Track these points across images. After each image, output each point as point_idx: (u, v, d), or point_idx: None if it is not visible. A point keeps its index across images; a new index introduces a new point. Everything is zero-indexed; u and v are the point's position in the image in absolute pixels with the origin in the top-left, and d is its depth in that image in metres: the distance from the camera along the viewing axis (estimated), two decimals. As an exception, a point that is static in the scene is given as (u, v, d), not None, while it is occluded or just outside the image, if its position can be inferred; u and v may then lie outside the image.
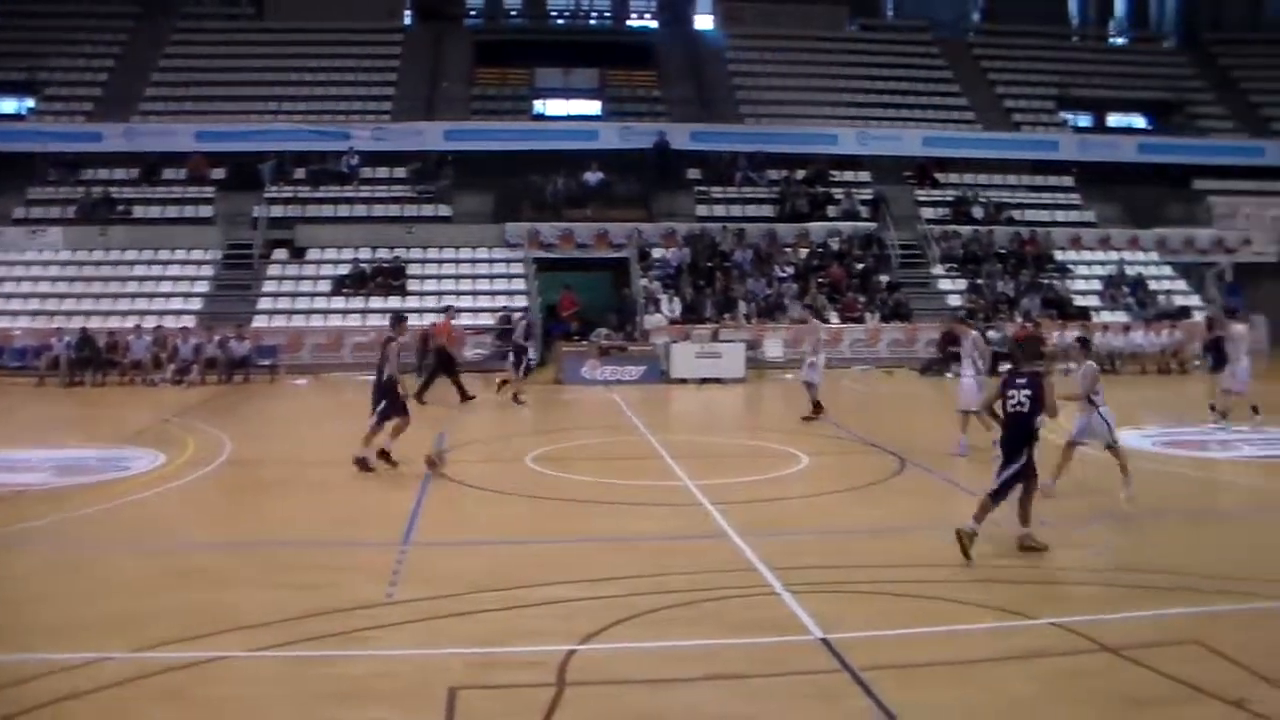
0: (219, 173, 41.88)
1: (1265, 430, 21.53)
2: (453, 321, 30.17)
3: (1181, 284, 41.80)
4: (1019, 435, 12.45)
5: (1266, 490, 17.22)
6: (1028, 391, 12.46)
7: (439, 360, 28.07)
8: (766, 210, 42.14)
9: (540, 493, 16.29)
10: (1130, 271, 41.04)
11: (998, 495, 12.35)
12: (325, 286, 37.38)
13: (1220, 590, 10.99)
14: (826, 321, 34.13)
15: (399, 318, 19.27)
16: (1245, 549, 13.15)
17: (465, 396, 26.89)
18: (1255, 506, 15.97)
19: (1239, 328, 23.32)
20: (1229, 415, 22.16)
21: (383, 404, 17.48)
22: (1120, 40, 59.54)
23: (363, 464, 17.27)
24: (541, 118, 47.62)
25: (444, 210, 40.80)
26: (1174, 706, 8.17)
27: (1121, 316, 37.67)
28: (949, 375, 32.13)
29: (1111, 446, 15.60)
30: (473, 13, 55.32)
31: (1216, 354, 24.20)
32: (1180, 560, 12.29)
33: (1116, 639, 9.41)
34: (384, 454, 17.52)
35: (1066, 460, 15.74)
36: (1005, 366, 18.03)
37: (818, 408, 23.27)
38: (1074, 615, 10.08)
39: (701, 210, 41.61)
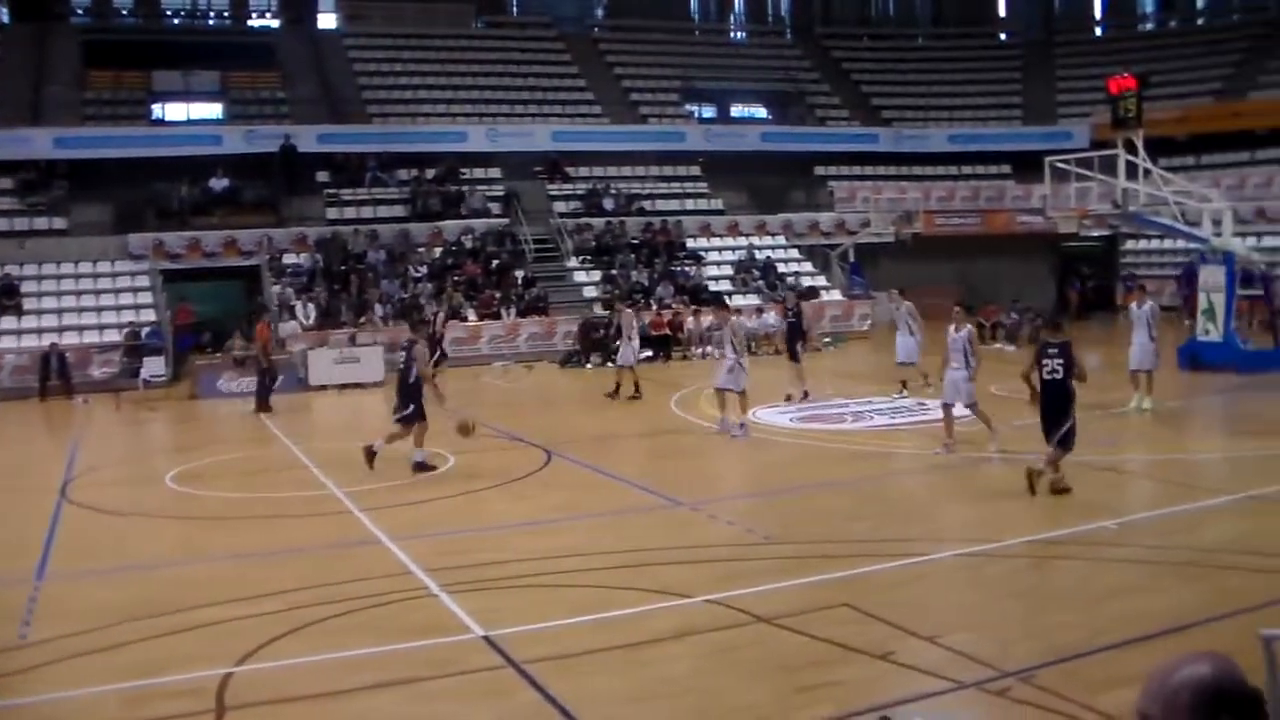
0: None
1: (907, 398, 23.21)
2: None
3: (808, 266, 44.03)
4: (1061, 397, 14.18)
5: (897, 455, 18.49)
6: (1061, 360, 14.18)
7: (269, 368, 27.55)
8: (399, 210, 41.77)
9: (184, 512, 15.84)
10: (759, 256, 42.93)
11: (1065, 442, 14.23)
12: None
13: (864, 554, 11.82)
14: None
15: (421, 319, 18.63)
16: (882, 512, 14.17)
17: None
18: (888, 472, 17.10)
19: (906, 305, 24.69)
20: (908, 385, 23.91)
21: (410, 408, 17.53)
22: (740, 35, 61.86)
23: (422, 467, 17.47)
24: (161, 122, 45.45)
25: (59, 223, 38.29)
26: (827, 667, 8.76)
27: (753, 300, 39.24)
28: (588, 366, 33.01)
29: (973, 405, 17.51)
30: (79, 11, 52.11)
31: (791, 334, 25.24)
32: (825, 528, 13.14)
33: (769, 609, 9.98)
34: (370, 452, 17.51)
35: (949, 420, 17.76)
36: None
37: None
38: (728, 591, 10.60)
39: (333, 213, 40.88)
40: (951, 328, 17.76)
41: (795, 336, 24.54)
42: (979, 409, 17.59)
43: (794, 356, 24.43)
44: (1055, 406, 14.26)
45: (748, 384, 20.15)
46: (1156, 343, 21.35)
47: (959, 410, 17.72)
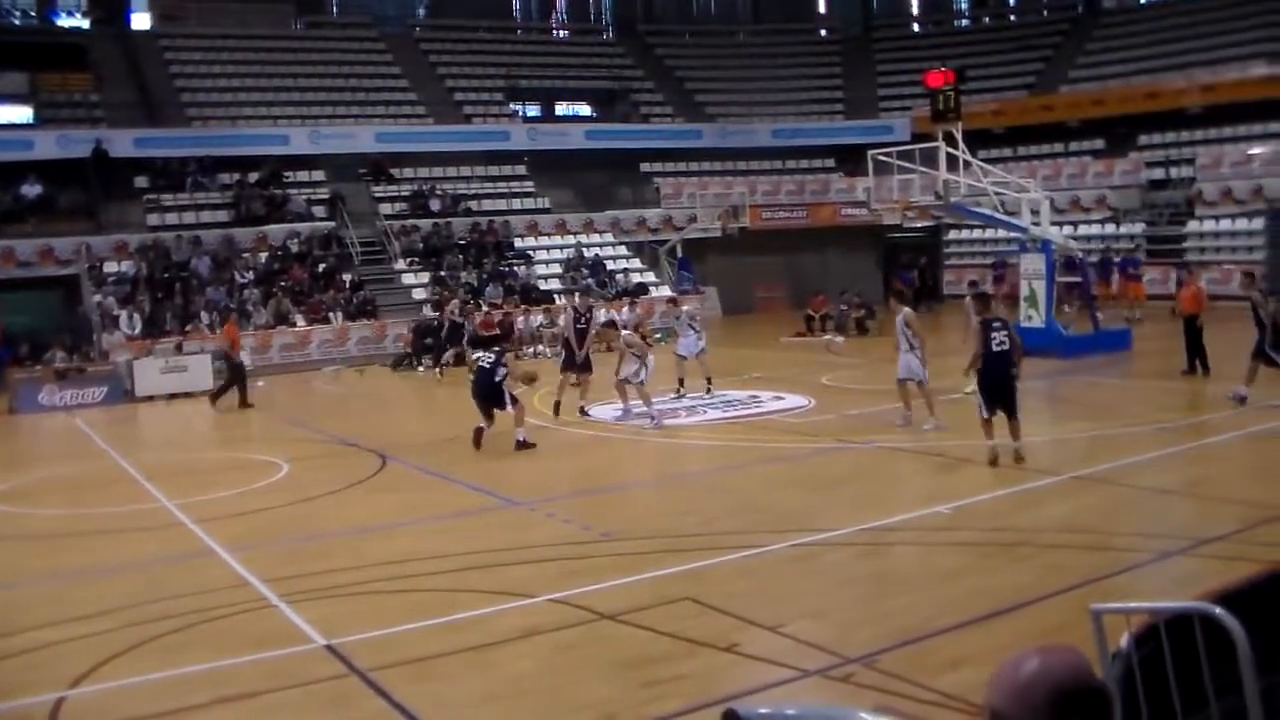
0: None
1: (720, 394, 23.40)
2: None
3: (637, 262, 44.35)
4: (1010, 367, 15.46)
5: (732, 449, 18.57)
6: (1006, 334, 15.53)
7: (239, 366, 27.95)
8: (222, 215, 40.81)
9: (5, 533, 15.24)
10: (588, 254, 43.04)
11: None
12: None
13: (703, 547, 11.94)
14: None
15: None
16: (719, 505, 14.31)
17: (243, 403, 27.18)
18: (724, 465, 17.22)
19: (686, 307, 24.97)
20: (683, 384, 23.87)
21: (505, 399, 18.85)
22: (563, 33, 61.87)
23: (524, 444, 18.15)
24: (-34, 127, 43.87)
25: None
26: (672, 661, 8.82)
27: (588, 301, 39.19)
28: (420, 368, 32.74)
29: (922, 383, 18.55)
30: None
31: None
32: (663, 523, 13.25)
33: (612, 606, 10.03)
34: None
35: (905, 396, 18.76)
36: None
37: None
38: (570, 589, 10.61)
39: (153, 219, 39.77)
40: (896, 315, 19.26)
41: (582, 342, 22.51)
42: (926, 388, 18.66)
43: (583, 366, 22.48)
44: (1005, 376, 15.48)
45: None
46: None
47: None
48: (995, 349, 15.40)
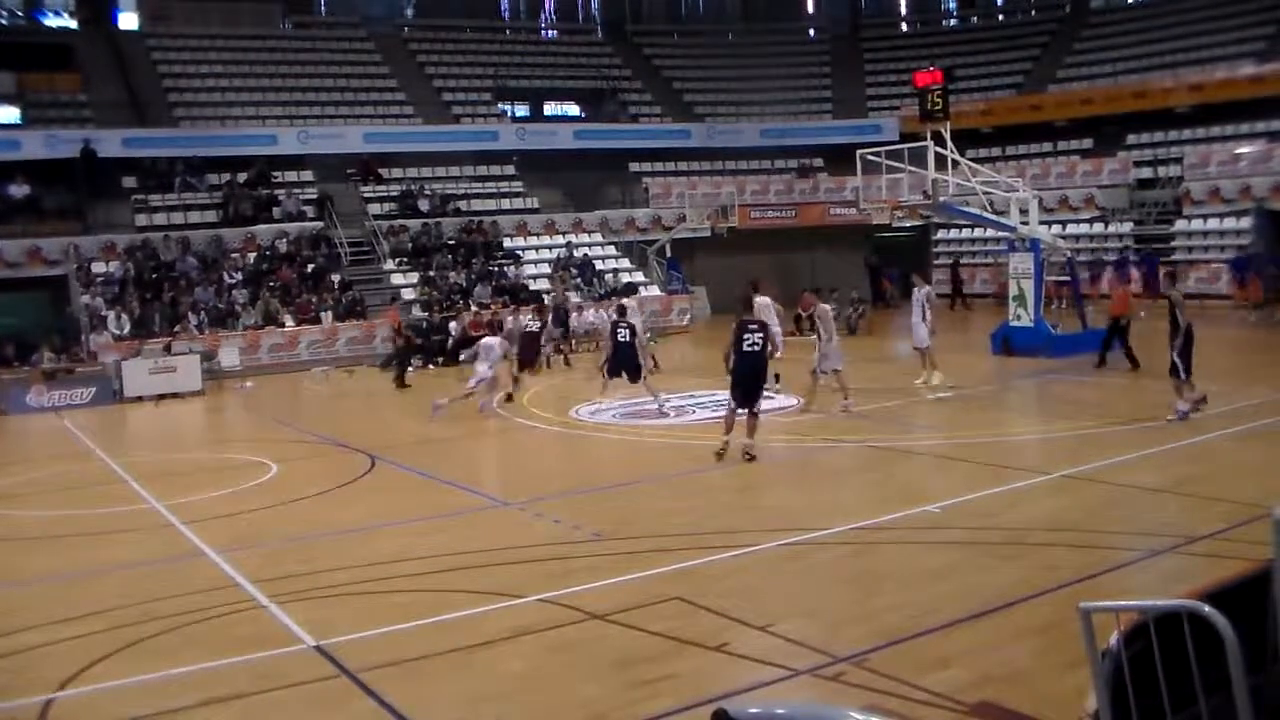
0: None
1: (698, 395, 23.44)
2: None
3: (626, 262, 44.31)
4: (761, 367, 16.92)
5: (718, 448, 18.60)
6: (760, 334, 16.67)
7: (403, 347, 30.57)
8: (210, 216, 40.73)
9: (-5, 534, 15.26)
10: (577, 254, 43.01)
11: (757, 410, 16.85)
12: None
13: (692, 546, 11.95)
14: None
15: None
16: (708, 505, 14.31)
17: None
18: (713, 464, 17.17)
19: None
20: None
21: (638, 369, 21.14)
22: (552, 33, 61.86)
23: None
24: (-47, 126, 43.72)
25: None
26: (661, 661, 8.82)
27: (574, 298, 39.24)
28: (410, 369, 32.67)
29: (838, 371, 20.88)
30: None
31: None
32: (652, 523, 13.24)
33: (602, 606, 10.04)
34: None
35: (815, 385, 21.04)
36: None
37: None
38: (560, 589, 10.63)
39: (142, 220, 39.71)
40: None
41: (533, 346, 23.31)
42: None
43: (527, 365, 23.36)
44: (756, 376, 16.78)
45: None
46: (929, 324, 23.29)
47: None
48: (745, 349, 16.59)
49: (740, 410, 16.79)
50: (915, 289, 24.32)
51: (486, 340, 23.52)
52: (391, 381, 29.46)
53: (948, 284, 43.23)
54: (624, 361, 21.62)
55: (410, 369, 32.64)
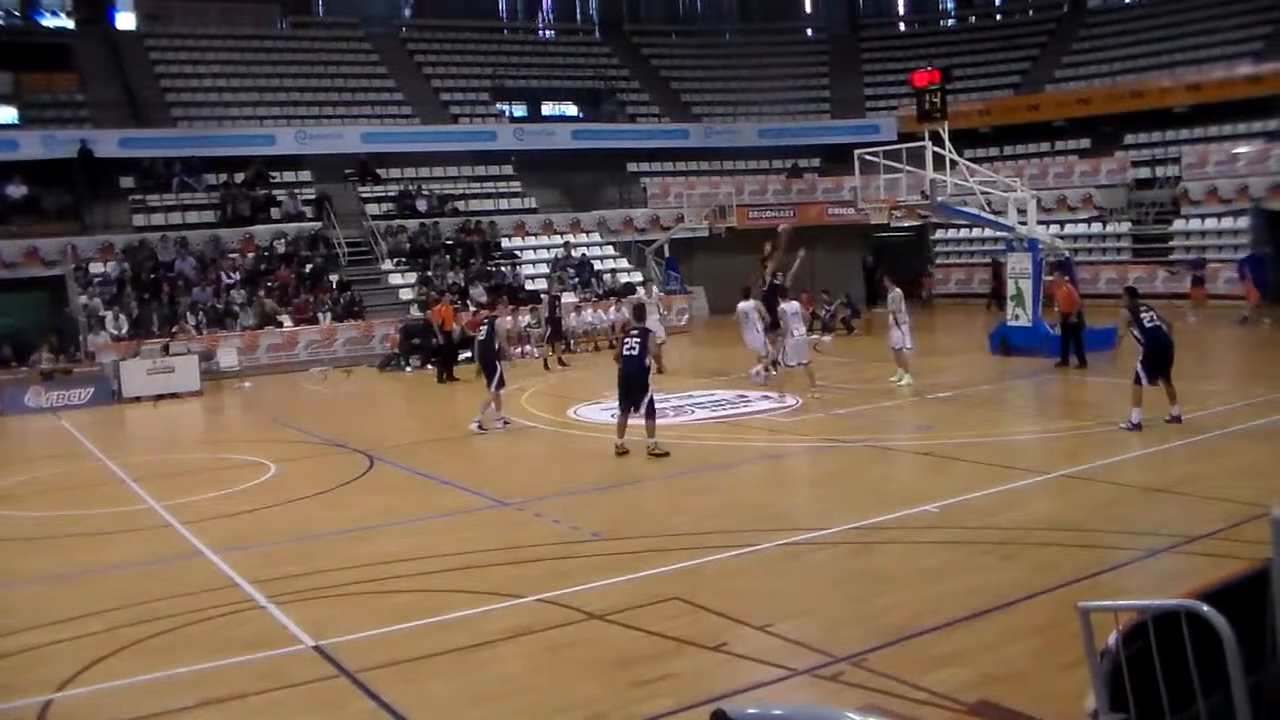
0: None
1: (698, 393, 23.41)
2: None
3: (624, 262, 44.30)
4: (642, 371, 17.49)
5: (719, 448, 18.51)
6: (639, 340, 17.48)
7: (446, 343, 30.90)
8: (208, 216, 40.70)
9: (-9, 534, 15.24)
10: (575, 253, 43.00)
11: (652, 412, 17.49)
12: None
13: (691, 546, 11.95)
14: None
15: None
16: (710, 504, 14.31)
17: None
18: (711, 464, 17.18)
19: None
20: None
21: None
22: (549, 33, 61.82)
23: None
24: (-50, 126, 43.64)
25: None
26: (660, 661, 8.82)
27: (571, 298, 39.25)
28: (408, 369, 32.73)
29: (805, 364, 22.01)
30: None
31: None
32: (650, 523, 13.25)
33: (601, 606, 10.05)
34: None
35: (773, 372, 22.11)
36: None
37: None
38: (559, 589, 10.63)
39: (139, 220, 39.69)
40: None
41: (489, 352, 21.07)
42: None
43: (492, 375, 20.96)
44: (637, 380, 17.47)
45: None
46: (902, 327, 23.34)
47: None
48: (625, 352, 17.57)
49: (630, 412, 17.69)
50: (889, 291, 24.70)
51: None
52: (435, 380, 30.04)
53: (989, 282, 42.24)
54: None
55: (408, 368, 32.74)
